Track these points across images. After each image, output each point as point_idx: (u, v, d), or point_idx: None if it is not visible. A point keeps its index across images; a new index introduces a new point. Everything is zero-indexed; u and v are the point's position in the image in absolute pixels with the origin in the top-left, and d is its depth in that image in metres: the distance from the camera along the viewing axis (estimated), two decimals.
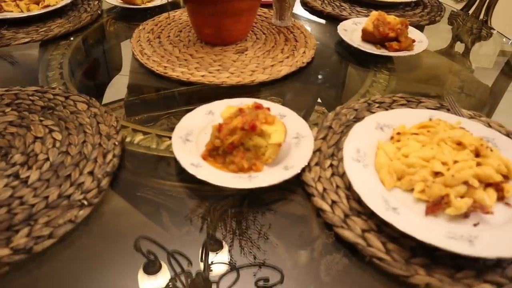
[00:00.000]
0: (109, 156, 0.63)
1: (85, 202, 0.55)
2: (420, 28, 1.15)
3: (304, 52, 0.96)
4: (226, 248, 0.52)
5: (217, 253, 0.52)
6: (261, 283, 0.48)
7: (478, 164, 0.57)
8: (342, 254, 0.52)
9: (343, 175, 0.59)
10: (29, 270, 0.49)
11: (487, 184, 0.56)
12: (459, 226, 0.52)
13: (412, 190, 0.56)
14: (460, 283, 0.47)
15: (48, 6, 1.11)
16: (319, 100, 0.90)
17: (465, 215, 0.53)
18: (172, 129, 0.66)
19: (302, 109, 0.81)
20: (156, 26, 1.08)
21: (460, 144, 0.59)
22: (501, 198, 0.56)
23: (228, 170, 0.60)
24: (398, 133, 0.64)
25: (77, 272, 0.49)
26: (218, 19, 0.93)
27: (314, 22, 1.19)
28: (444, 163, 0.57)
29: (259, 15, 1.13)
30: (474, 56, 1.11)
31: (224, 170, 0.60)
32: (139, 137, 0.70)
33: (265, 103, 0.68)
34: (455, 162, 0.57)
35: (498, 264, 0.49)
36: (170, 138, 0.65)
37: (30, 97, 0.76)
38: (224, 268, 0.49)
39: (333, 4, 1.24)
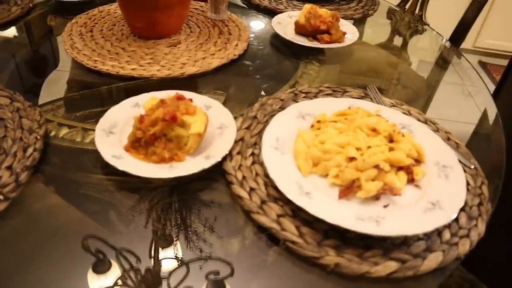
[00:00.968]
0: (30, 150, 0.61)
1: (1, 197, 0.54)
2: (361, 22, 1.18)
3: (236, 45, 0.96)
4: (172, 243, 0.52)
5: (163, 248, 0.51)
6: (211, 276, 0.48)
7: (391, 149, 0.59)
8: (264, 240, 0.52)
9: (262, 163, 0.60)
10: None
11: (398, 168, 0.58)
12: (369, 208, 0.54)
13: (327, 175, 0.58)
14: (367, 262, 0.49)
15: None
16: (263, 93, 0.90)
17: (376, 198, 0.55)
18: None
19: (245, 102, 0.82)
20: (90, 20, 1.05)
21: (374, 131, 0.61)
22: (411, 180, 0.58)
23: (150, 161, 0.60)
24: (318, 121, 0.65)
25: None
26: (149, 13, 0.91)
27: (252, 15, 1.19)
28: (358, 149, 0.58)
29: (195, 8, 1.13)
30: (413, 49, 1.15)
31: (146, 161, 0.60)
32: (64, 131, 0.68)
33: (188, 94, 0.68)
34: (369, 147, 0.59)
35: (404, 242, 0.52)
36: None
37: None
38: (173, 264, 0.49)
39: None
